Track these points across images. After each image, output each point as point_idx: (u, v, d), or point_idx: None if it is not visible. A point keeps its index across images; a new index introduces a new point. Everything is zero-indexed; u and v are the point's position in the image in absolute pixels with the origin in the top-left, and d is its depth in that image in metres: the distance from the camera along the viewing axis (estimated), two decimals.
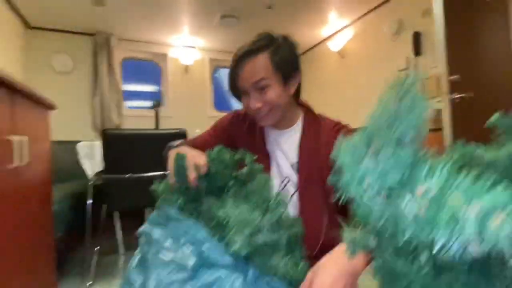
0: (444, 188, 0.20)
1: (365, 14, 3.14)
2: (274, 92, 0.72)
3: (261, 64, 0.71)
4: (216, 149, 0.62)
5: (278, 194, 0.52)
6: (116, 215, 1.89)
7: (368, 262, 0.46)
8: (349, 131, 0.78)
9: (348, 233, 0.29)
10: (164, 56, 3.71)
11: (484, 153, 0.30)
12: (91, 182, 1.66)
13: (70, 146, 1.93)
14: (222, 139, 0.82)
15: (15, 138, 0.99)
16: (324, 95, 3.82)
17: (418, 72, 0.23)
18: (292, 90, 0.77)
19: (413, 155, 0.21)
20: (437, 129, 1.88)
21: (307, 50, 4.26)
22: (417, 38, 2.60)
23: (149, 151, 1.52)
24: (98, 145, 1.71)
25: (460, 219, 0.18)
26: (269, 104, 0.72)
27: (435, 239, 0.19)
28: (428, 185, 0.20)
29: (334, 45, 3.57)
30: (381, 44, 3.00)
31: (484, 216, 0.18)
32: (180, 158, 0.59)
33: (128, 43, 3.48)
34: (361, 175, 0.23)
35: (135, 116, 3.50)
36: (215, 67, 4.11)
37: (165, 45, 3.65)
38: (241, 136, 0.84)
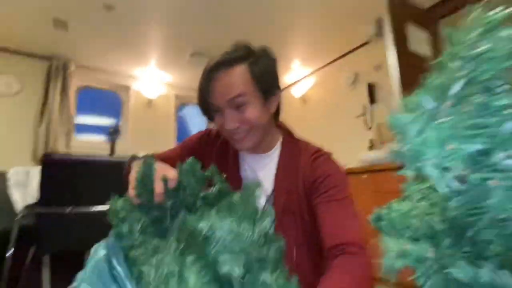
0: None
1: (326, 65, 3.44)
2: (254, 110, 0.62)
3: (238, 77, 0.61)
4: (189, 160, 0.52)
5: (265, 203, 0.43)
6: (46, 261, 1.53)
7: None
8: (329, 159, 0.72)
9: (392, 243, 0.22)
10: (126, 88, 3.56)
11: None
12: (19, 216, 1.36)
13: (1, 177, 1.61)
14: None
15: None
16: None
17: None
18: (273, 108, 0.70)
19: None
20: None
21: None
22: (371, 88, 2.88)
23: (100, 180, 1.32)
24: (35, 172, 1.46)
25: None
26: (247, 123, 0.62)
27: None
28: None
29: (297, 91, 3.79)
30: (340, 92, 3.26)
31: None
32: (148, 166, 0.48)
33: (88, 71, 3.28)
34: (436, 142, 0.17)
35: (87, 148, 3.17)
36: (181, 104, 4.05)
37: (128, 76, 3.53)
38: (211, 158, 0.73)
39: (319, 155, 0.70)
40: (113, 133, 2.09)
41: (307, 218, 0.64)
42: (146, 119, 3.61)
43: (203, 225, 0.34)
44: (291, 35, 2.83)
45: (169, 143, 3.75)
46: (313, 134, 3.41)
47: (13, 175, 1.43)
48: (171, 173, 0.47)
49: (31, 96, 2.92)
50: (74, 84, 3.21)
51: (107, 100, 3.64)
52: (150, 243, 0.38)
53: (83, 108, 3.39)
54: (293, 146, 0.75)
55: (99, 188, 1.32)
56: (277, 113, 0.75)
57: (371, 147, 2.74)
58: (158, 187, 0.45)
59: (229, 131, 0.64)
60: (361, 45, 2.97)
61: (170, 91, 3.83)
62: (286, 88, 4.09)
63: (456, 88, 0.16)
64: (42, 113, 2.91)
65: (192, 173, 0.51)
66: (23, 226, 1.33)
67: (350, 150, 2.68)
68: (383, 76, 2.54)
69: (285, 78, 3.81)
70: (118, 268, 0.36)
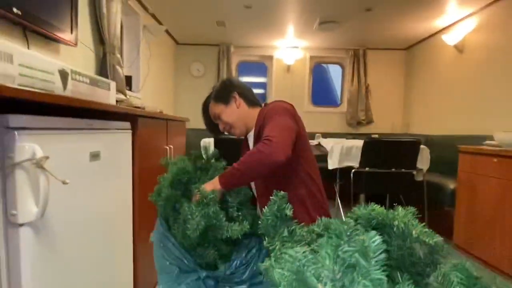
0: None
1: (491, 3, 2.67)
2: (224, 115, 1.10)
3: (211, 108, 1.13)
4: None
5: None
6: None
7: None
8: (273, 103, 1.08)
9: None
10: (270, 57, 4.26)
11: None
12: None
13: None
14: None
15: (167, 147, 1.73)
16: (436, 92, 3.51)
17: None
18: (236, 104, 1.11)
19: None
20: None
21: (415, 44, 3.93)
22: None
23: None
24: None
25: None
26: (226, 123, 1.11)
27: None
28: None
29: (451, 38, 3.18)
30: (509, 38, 2.53)
31: None
32: None
33: (242, 49, 4.21)
34: None
35: None
36: (315, 63, 4.38)
37: (271, 48, 4.19)
38: (245, 140, 1.23)
39: (268, 105, 1.07)
40: None
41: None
42: (286, 81, 4.27)
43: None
44: None
45: (304, 101, 4.29)
46: (471, 89, 2.94)
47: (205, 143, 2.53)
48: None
49: (210, 75, 4.18)
50: (235, 60, 4.24)
51: (259, 69, 4.52)
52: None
53: (242, 76, 4.48)
54: (260, 113, 1.08)
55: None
56: (249, 101, 1.14)
57: None
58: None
59: (224, 131, 1.16)
60: None
61: (306, 54, 4.21)
62: (434, 34, 3.48)
63: None
64: None
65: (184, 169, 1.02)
66: None
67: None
68: None
69: (434, 24, 3.25)
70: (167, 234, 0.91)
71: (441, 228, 2.57)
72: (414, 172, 2.40)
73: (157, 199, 0.90)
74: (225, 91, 1.12)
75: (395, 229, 0.52)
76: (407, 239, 0.52)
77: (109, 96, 1.12)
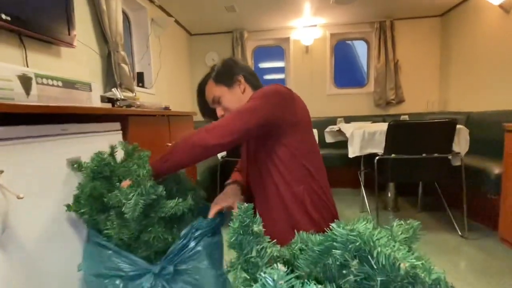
0: None
1: None
2: (225, 99, 0.95)
3: (209, 89, 0.98)
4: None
5: None
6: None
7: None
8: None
9: None
10: (287, 39, 4.02)
11: None
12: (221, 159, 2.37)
13: None
14: None
15: (170, 144, 1.67)
16: (479, 62, 3.06)
17: None
18: (240, 89, 0.97)
19: None
20: None
21: (452, 8, 3.44)
22: None
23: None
24: None
25: None
26: (226, 109, 0.96)
27: None
28: None
29: None
30: None
31: None
32: None
33: (257, 34, 4.02)
34: None
35: None
36: (337, 41, 4.05)
37: (287, 29, 3.94)
38: None
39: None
40: None
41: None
42: (305, 63, 4.01)
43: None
44: None
45: (326, 84, 4.02)
46: None
47: None
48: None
49: None
50: (250, 46, 4.07)
51: (275, 52, 4.31)
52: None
53: (259, 62, 4.31)
54: None
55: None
56: (252, 85, 0.99)
57: None
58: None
59: (220, 117, 0.99)
60: None
61: (325, 32, 3.90)
62: None
63: None
64: None
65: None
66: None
67: None
68: None
69: None
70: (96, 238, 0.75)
71: (484, 219, 2.27)
72: (450, 157, 2.11)
73: (79, 207, 0.78)
74: (229, 72, 0.97)
75: (374, 261, 0.38)
76: (393, 275, 0.38)
77: (91, 97, 1.07)
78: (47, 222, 0.85)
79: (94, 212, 0.75)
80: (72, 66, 1.84)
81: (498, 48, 2.80)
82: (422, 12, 3.59)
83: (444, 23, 3.68)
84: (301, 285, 0.31)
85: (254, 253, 0.56)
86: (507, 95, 2.67)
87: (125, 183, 0.72)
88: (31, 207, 0.79)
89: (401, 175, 2.16)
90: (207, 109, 1.04)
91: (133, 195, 0.65)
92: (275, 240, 0.58)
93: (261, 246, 0.56)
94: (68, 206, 0.81)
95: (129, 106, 1.42)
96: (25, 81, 0.79)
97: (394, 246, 0.40)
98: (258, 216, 0.57)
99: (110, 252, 0.67)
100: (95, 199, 0.75)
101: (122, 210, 0.65)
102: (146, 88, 2.81)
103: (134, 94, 2.17)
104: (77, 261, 0.82)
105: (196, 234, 0.71)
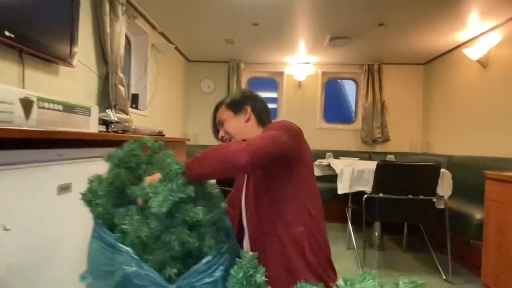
0: None
1: None
2: (228, 123, 1.01)
3: (220, 111, 1.05)
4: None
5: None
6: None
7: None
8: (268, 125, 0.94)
9: None
10: (281, 73, 4.18)
11: None
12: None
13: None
14: None
15: None
16: (458, 109, 3.27)
17: None
18: (245, 117, 1.01)
19: None
20: None
21: (434, 58, 3.73)
22: None
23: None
24: None
25: None
26: (226, 132, 1.01)
27: None
28: None
29: (473, 52, 2.97)
30: None
31: None
32: None
33: (252, 66, 4.17)
34: None
35: None
36: (328, 79, 4.25)
37: (282, 64, 4.11)
38: None
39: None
40: None
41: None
42: (297, 97, 4.15)
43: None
44: None
45: (316, 118, 4.14)
46: (497, 108, 2.69)
47: None
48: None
49: (220, 91, 4.14)
50: (245, 77, 4.20)
51: (269, 84, 4.45)
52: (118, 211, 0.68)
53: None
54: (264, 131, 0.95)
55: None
56: (260, 119, 1.03)
57: None
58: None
59: (220, 139, 1.05)
60: None
61: (317, 70, 4.10)
62: (457, 47, 3.27)
63: None
64: None
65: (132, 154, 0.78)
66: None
67: None
68: None
69: (457, 36, 3.04)
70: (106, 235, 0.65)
71: (467, 263, 2.29)
72: (434, 199, 2.17)
73: (95, 197, 0.70)
74: (240, 100, 1.04)
75: None
76: None
77: (89, 122, 1.05)
78: (34, 253, 0.79)
79: (110, 206, 0.69)
80: (69, 85, 1.82)
81: (475, 99, 3.02)
82: (408, 59, 3.87)
83: (427, 71, 3.97)
84: None
85: None
86: (485, 142, 2.83)
87: (151, 178, 0.68)
88: (18, 238, 0.74)
89: (388, 214, 2.19)
90: (216, 128, 1.09)
91: (162, 189, 0.62)
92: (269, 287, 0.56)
93: None
94: (83, 194, 0.72)
95: (125, 131, 1.40)
96: (27, 104, 0.77)
97: None
98: (261, 266, 0.55)
99: (123, 256, 0.61)
100: (115, 189, 0.71)
101: (148, 204, 0.62)
102: (139, 110, 2.80)
103: (128, 116, 2.15)
104: None
105: (221, 260, 0.67)
